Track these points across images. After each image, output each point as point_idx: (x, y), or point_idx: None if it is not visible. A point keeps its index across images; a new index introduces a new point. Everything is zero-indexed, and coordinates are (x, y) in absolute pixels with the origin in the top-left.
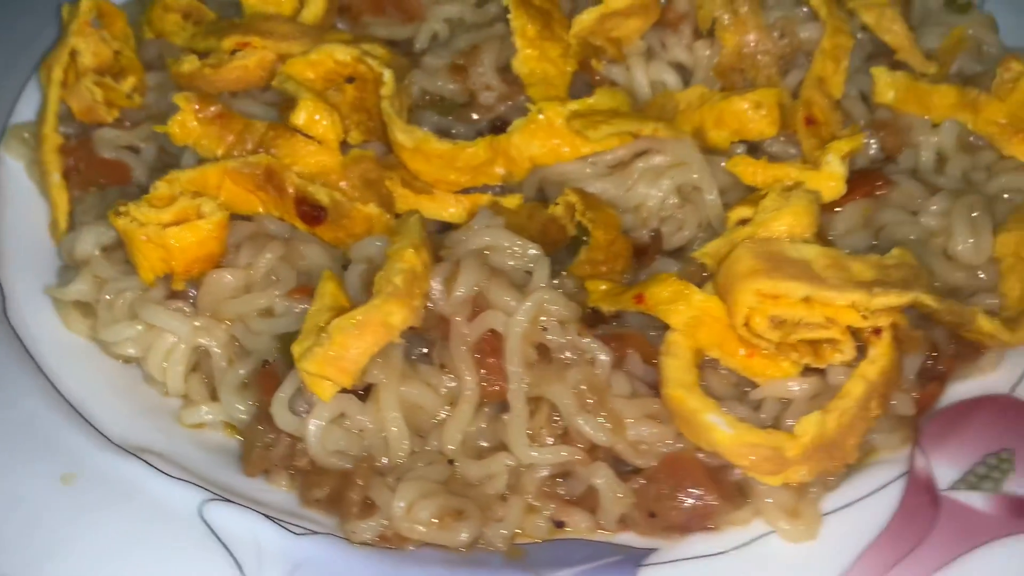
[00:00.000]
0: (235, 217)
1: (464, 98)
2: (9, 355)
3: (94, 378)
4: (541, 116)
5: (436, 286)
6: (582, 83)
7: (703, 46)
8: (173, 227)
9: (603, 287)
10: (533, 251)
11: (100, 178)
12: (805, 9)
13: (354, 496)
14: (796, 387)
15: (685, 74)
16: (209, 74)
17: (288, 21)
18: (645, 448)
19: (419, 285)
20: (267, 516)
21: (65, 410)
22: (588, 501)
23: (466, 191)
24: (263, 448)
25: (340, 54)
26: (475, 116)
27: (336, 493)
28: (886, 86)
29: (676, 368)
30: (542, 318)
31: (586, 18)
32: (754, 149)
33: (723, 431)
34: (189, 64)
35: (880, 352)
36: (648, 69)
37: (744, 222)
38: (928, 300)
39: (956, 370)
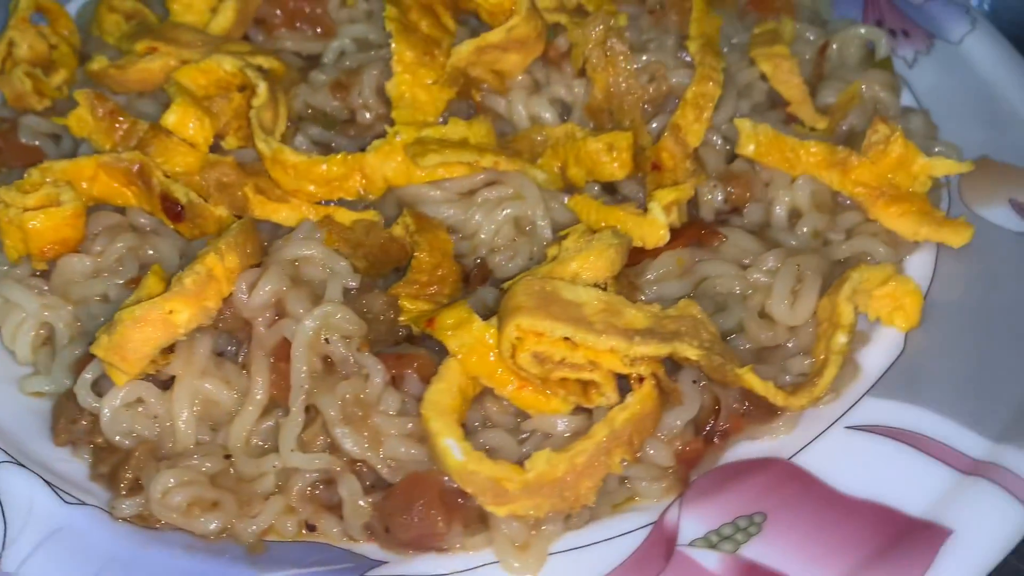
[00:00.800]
0: (111, 208)
1: (345, 115)
2: None
3: None
4: (398, 138)
5: (241, 290)
6: (469, 112)
7: (580, 84)
8: (31, 212)
9: (416, 308)
10: (341, 265)
11: (15, 161)
12: (686, 57)
13: (127, 475)
14: (560, 424)
15: (567, 110)
16: (115, 74)
17: (195, 30)
18: (395, 465)
19: (215, 287)
20: (48, 483)
21: None
22: (341, 509)
23: (326, 203)
24: (68, 422)
25: (227, 64)
26: (352, 133)
27: (114, 470)
28: (748, 138)
29: (437, 391)
30: (328, 331)
31: (463, 49)
32: (611, 189)
33: (455, 457)
34: (98, 64)
35: (634, 400)
36: (528, 103)
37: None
38: (690, 354)
39: (745, 428)
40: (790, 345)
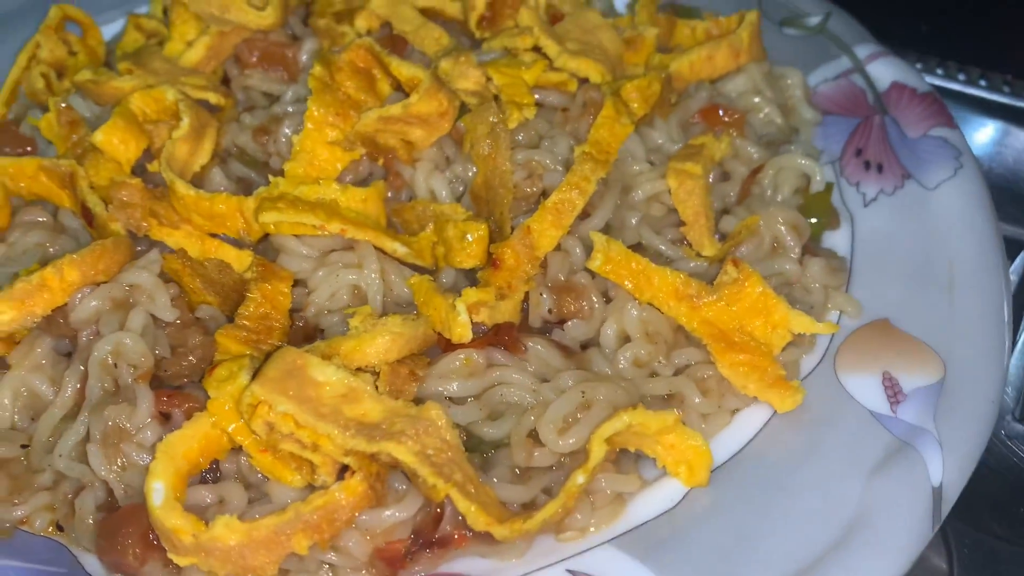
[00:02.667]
0: (47, 206)
1: (264, 157)
2: None
3: None
4: (275, 191)
5: (73, 302)
6: (381, 174)
7: (471, 168)
8: None
9: (236, 351)
10: (160, 299)
11: (9, 146)
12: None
13: None
14: (288, 494)
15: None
16: (92, 88)
17: (168, 60)
18: (130, 492)
19: (47, 297)
20: None
21: None
22: None
23: (214, 235)
24: None
25: (170, 95)
26: (269, 176)
27: None
28: (598, 251)
29: (178, 435)
30: (117, 357)
31: (368, 117)
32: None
33: (153, 499)
34: (81, 76)
35: (334, 489)
36: (429, 177)
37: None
38: (403, 456)
39: (471, 544)
40: (555, 471)
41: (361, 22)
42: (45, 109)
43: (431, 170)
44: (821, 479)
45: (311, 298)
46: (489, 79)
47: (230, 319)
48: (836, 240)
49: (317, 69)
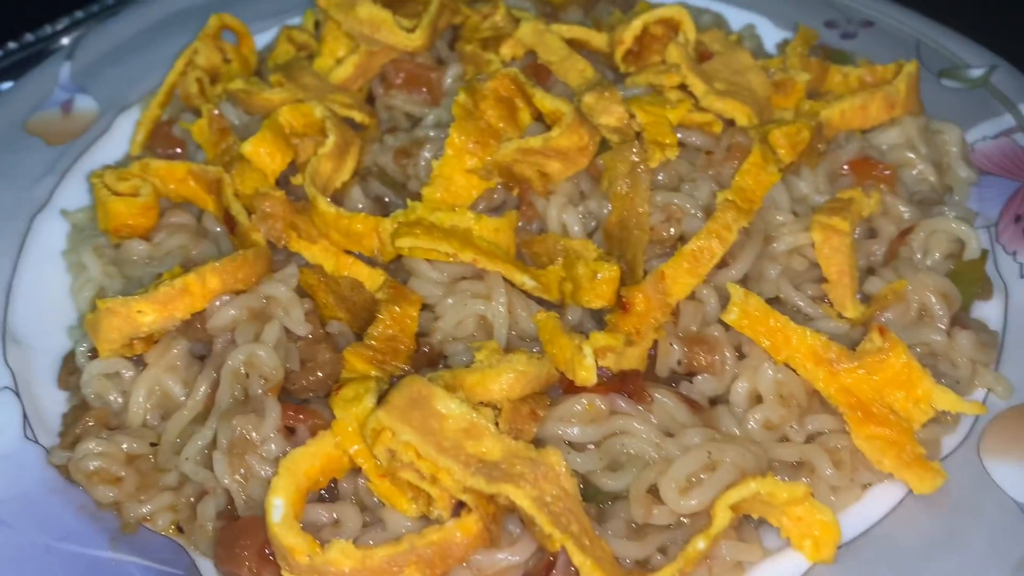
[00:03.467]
0: (194, 208)
1: (403, 179)
2: None
3: None
4: (414, 216)
5: (212, 309)
6: (515, 203)
7: (606, 205)
8: (114, 197)
9: (362, 370)
10: (295, 313)
11: (163, 147)
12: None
13: (75, 431)
14: (403, 523)
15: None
16: (243, 97)
17: (317, 76)
18: (250, 503)
19: (188, 301)
20: (25, 416)
21: None
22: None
23: (348, 252)
24: (68, 372)
25: (317, 111)
26: (407, 197)
27: (71, 424)
28: (735, 305)
29: (301, 452)
30: (249, 368)
31: (507, 148)
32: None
33: (273, 515)
34: (234, 85)
35: (451, 526)
36: (562, 210)
37: None
38: (519, 500)
39: None
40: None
41: (506, 50)
42: (198, 113)
43: (565, 203)
44: (959, 571)
45: (438, 324)
46: (632, 116)
47: (358, 336)
48: (988, 312)
49: (462, 96)
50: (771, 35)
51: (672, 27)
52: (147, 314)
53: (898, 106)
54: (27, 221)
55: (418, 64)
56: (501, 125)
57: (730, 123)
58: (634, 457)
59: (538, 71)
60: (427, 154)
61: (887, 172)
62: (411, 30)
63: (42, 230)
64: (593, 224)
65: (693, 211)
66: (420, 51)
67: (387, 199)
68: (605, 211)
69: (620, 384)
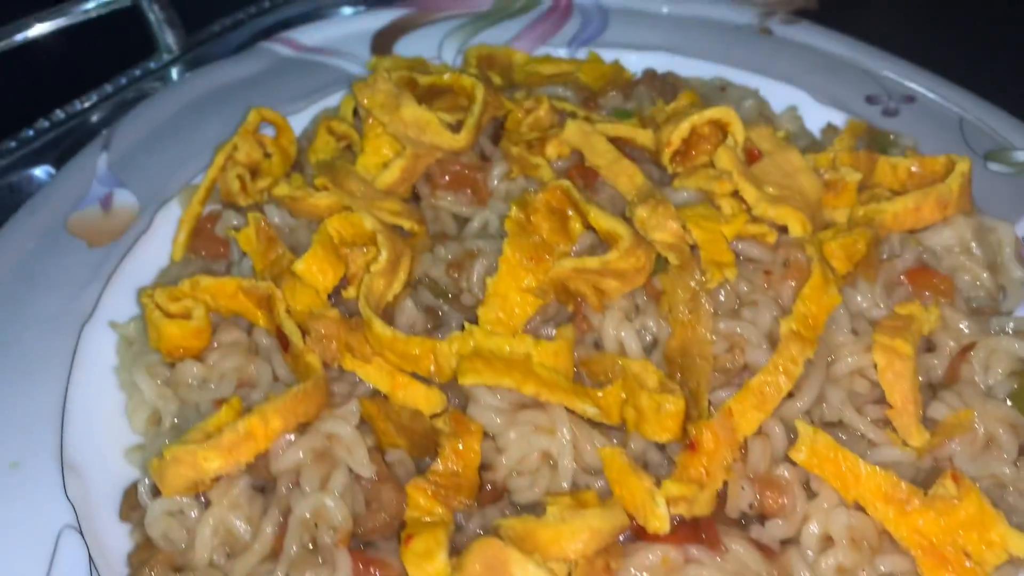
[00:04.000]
0: (243, 321)
1: (455, 291)
2: None
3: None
4: (472, 341)
5: (275, 450)
6: (564, 316)
7: (666, 327)
8: (167, 319)
9: (426, 506)
10: (359, 454)
11: (206, 249)
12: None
13: (147, 572)
14: None
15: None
16: (288, 203)
17: (363, 180)
18: None
19: (252, 446)
20: (90, 558)
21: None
22: None
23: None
24: (130, 508)
25: (368, 223)
26: (458, 308)
27: (139, 566)
28: (803, 443)
29: None
30: (317, 518)
31: (563, 266)
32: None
33: None
34: (279, 191)
35: None
36: (619, 327)
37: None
38: None
39: None
40: None
41: (552, 150)
42: (238, 209)
43: (621, 319)
44: None
45: (501, 459)
46: (686, 230)
47: (418, 464)
48: None
49: (514, 211)
50: (812, 113)
51: (720, 126)
52: (212, 460)
53: (951, 206)
54: (75, 333)
55: (464, 164)
56: (555, 238)
57: (782, 230)
58: None
59: (585, 172)
60: (480, 268)
61: (944, 283)
62: (454, 127)
63: (91, 342)
64: (649, 339)
65: (758, 342)
66: (465, 151)
67: (440, 311)
68: (663, 330)
69: (693, 532)
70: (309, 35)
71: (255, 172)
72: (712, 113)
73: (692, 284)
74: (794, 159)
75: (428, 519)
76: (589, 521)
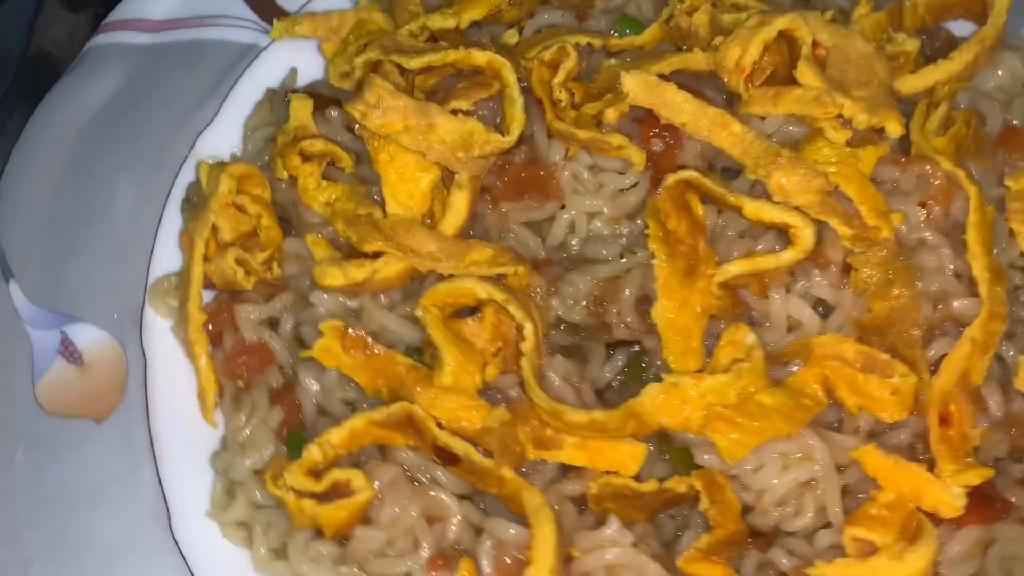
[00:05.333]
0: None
1: (596, 325)
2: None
3: None
4: (675, 388)
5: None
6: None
7: (850, 298)
8: (325, 505)
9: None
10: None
11: (244, 367)
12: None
13: None
14: None
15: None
16: (352, 289)
17: (428, 232)
18: None
19: None
20: None
21: None
22: None
23: None
24: None
25: (480, 291)
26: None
27: None
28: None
29: None
30: None
31: (733, 269)
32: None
33: None
34: (332, 279)
35: None
36: (786, 300)
37: (859, 541)
38: None
39: None
40: None
41: (612, 115)
42: (242, 294)
43: (784, 293)
44: None
45: (766, 499)
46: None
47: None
48: None
49: (653, 228)
50: None
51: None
52: None
53: (997, 42)
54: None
55: (519, 164)
56: (693, 237)
57: (879, 132)
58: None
59: (665, 130)
60: (629, 296)
61: None
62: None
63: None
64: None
65: (956, 289)
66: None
67: (587, 351)
68: (832, 295)
69: (981, 508)
70: (156, 4)
71: (250, 245)
72: (781, 23)
73: (881, 253)
74: (859, 45)
75: None
76: (918, 554)
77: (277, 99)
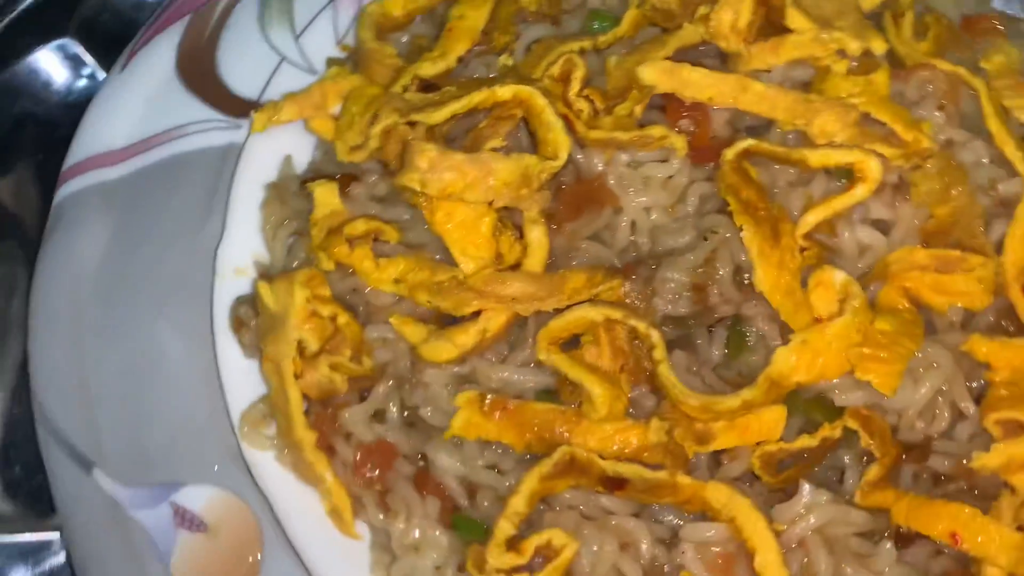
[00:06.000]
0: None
1: (699, 312)
2: None
3: None
4: (804, 345)
5: None
6: None
7: (908, 209)
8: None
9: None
10: None
11: (372, 474)
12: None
13: None
14: None
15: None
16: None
17: (522, 275)
18: None
19: None
20: None
21: None
22: None
23: None
24: None
25: (595, 315)
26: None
27: None
28: None
29: None
30: None
31: (813, 218)
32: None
33: None
34: (445, 353)
35: None
36: (856, 233)
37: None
38: None
39: None
40: None
41: (636, 107)
42: (346, 396)
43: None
44: None
45: (908, 415)
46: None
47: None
48: None
49: (733, 203)
50: None
51: None
52: None
53: None
54: None
55: (571, 185)
56: (761, 197)
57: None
58: None
59: (694, 108)
60: (726, 273)
61: (995, 18)
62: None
63: None
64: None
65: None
66: None
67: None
68: (888, 212)
69: None
70: (113, 133)
71: (334, 347)
72: None
73: (933, 162)
74: None
75: None
76: None
77: (285, 192)
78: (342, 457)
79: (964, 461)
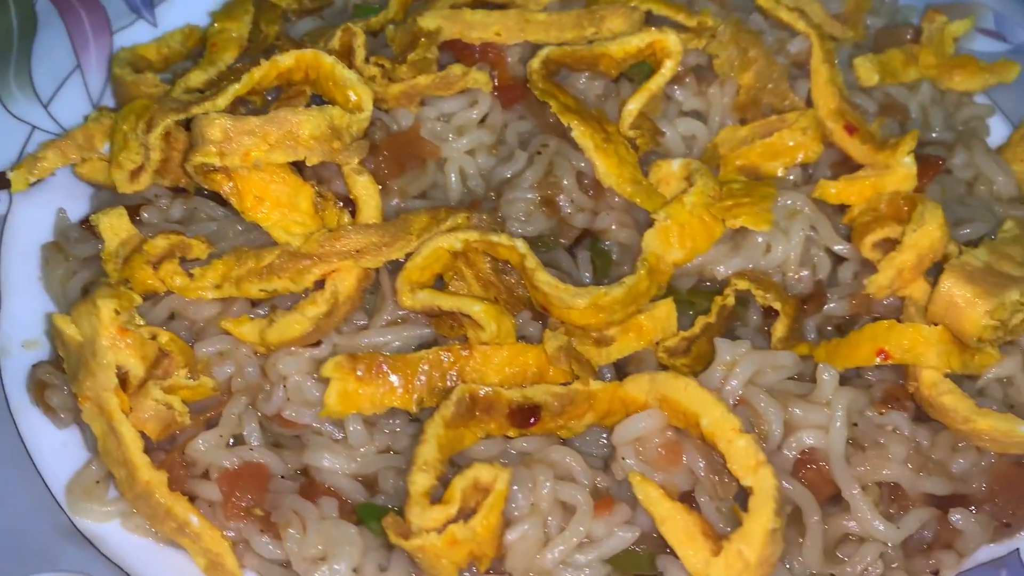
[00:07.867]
0: None
1: (554, 227)
2: None
3: None
4: (668, 221)
5: None
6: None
7: (716, 90)
8: (474, 521)
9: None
10: None
11: (246, 507)
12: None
13: None
14: None
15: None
16: None
17: (361, 227)
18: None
19: None
20: None
21: None
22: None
23: None
24: None
25: (452, 242)
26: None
27: None
28: (869, 72)
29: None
30: None
31: (634, 105)
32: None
33: None
34: (298, 327)
35: None
36: (678, 127)
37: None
38: None
39: None
40: None
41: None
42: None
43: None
44: None
45: (791, 266)
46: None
47: None
48: None
49: (554, 104)
50: None
51: None
52: None
53: None
54: None
55: (388, 138)
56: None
57: None
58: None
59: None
60: (569, 180)
61: None
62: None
63: None
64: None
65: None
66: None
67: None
68: (701, 103)
69: (925, 170)
70: None
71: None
72: None
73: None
74: None
75: None
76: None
77: (65, 243)
78: (206, 498)
79: (855, 301)
